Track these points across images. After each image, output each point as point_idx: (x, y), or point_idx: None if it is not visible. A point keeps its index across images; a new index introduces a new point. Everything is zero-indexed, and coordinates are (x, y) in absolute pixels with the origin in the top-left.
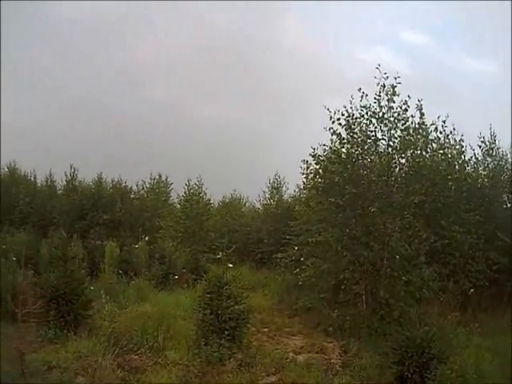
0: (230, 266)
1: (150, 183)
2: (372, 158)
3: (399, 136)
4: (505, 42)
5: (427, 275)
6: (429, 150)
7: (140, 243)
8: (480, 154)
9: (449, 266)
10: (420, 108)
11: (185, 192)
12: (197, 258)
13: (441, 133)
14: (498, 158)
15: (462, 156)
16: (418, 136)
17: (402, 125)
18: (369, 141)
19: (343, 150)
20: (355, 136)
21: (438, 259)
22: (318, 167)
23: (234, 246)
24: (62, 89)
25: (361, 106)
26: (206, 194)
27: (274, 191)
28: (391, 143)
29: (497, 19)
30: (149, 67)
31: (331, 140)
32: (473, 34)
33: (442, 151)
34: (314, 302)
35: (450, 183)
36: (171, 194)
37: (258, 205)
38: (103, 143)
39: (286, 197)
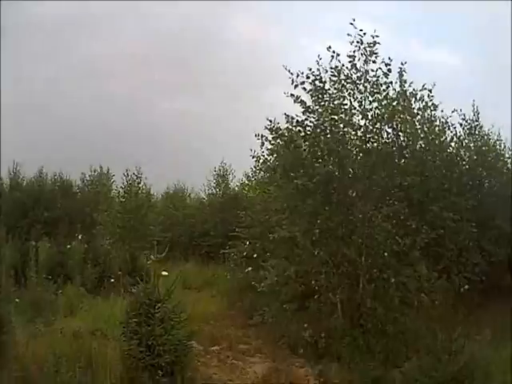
0: (164, 273)
1: (90, 176)
2: (345, 130)
3: (379, 105)
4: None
5: (424, 275)
6: (416, 122)
7: (74, 242)
8: (462, 132)
9: (442, 260)
10: (401, 74)
11: (123, 183)
12: (135, 257)
13: (426, 104)
14: (481, 137)
15: (447, 133)
16: (400, 106)
17: (384, 91)
18: (341, 110)
19: (309, 121)
20: (324, 104)
21: (430, 253)
22: (277, 142)
23: (168, 248)
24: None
25: (331, 68)
26: (145, 185)
27: (220, 179)
28: (369, 113)
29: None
30: (101, 63)
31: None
32: (429, 26)
33: (428, 125)
34: (275, 314)
35: (439, 162)
36: (113, 186)
37: (203, 195)
38: (52, 140)
39: (233, 185)
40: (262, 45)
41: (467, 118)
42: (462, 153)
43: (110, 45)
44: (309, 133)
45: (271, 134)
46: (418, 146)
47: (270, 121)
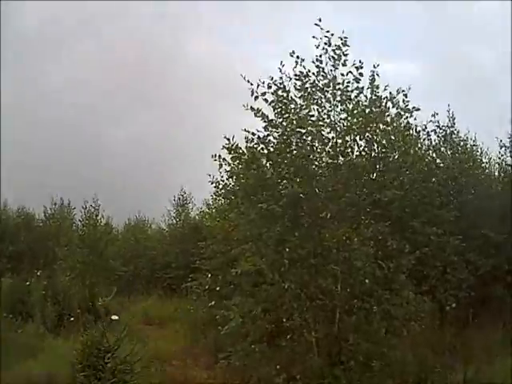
0: (115, 318)
1: (51, 208)
2: (314, 144)
3: (350, 114)
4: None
5: (411, 300)
6: (390, 131)
7: (33, 279)
8: (436, 140)
9: (427, 280)
10: (373, 78)
11: (81, 216)
12: (94, 293)
13: (401, 110)
14: (456, 144)
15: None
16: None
17: (356, 97)
18: (308, 122)
19: (273, 136)
20: (288, 116)
21: (412, 274)
22: (237, 163)
23: (115, 290)
24: None
25: (295, 75)
26: (103, 216)
27: (180, 209)
28: (338, 124)
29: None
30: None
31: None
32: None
33: (404, 133)
34: (243, 356)
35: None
36: (75, 219)
37: (163, 225)
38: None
39: (193, 214)
40: (223, 65)
41: (441, 124)
42: (439, 161)
43: (61, 65)
44: (272, 150)
45: (230, 153)
46: (394, 157)
47: (228, 139)
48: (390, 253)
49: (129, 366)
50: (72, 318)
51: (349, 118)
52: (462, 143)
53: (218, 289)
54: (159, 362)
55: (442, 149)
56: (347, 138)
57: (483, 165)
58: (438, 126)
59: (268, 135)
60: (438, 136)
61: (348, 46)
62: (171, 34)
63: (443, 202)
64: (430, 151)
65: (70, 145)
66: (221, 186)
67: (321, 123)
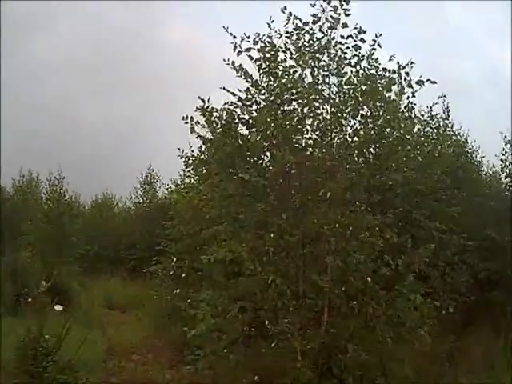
0: (58, 308)
1: (18, 181)
2: (305, 113)
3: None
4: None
5: (420, 305)
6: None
7: None
8: (430, 131)
9: (429, 281)
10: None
11: (45, 189)
12: (52, 272)
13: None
14: (450, 137)
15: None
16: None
17: (354, 65)
18: (300, 86)
19: (256, 100)
20: (277, 77)
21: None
22: (212, 128)
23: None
24: None
25: (286, 33)
26: (67, 190)
27: (147, 187)
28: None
29: None
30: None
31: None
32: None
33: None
34: (213, 361)
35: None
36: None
37: (129, 204)
38: None
39: (160, 194)
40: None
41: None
42: (437, 153)
43: (40, 46)
44: (255, 114)
45: (204, 116)
46: (393, 139)
47: (203, 100)
48: (394, 248)
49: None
50: (30, 299)
51: (345, 90)
52: (458, 137)
53: (183, 275)
54: (117, 356)
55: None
56: (342, 113)
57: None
58: (431, 117)
59: (251, 97)
60: (430, 127)
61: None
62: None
63: (446, 196)
64: (429, 139)
65: (43, 126)
66: (192, 158)
67: (312, 91)
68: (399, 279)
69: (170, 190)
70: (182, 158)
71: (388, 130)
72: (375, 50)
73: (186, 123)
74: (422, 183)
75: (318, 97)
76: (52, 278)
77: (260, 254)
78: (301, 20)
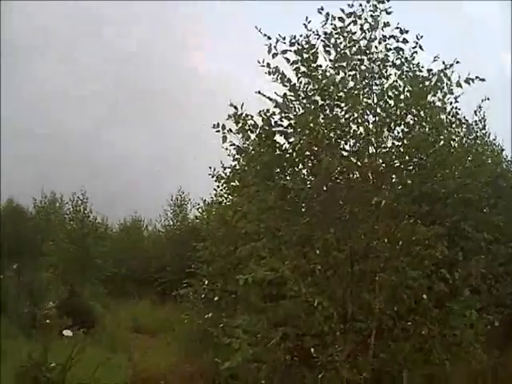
0: (67, 333)
1: (41, 202)
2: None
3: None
4: None
5: (476, 321)
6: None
7: (9, 273)
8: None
9: (480, 294)
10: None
11: (68, 210)
12: (74, 293)
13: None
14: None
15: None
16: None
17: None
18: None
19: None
20: (317, 80)
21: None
22: (248, 134)
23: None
24: None
25: (325, 34)
26: (92, 211)
27: (178, 209)
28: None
29: None
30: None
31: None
32: None
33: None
34: None
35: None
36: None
37: (159, 226)
38: None
39: (191, 216)
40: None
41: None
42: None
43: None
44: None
45: (237, 124)
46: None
47: (235, 107)
48: (445, 261)
49: None
50: (48, 321)
51: (389, 95)
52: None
53: (216, 299)
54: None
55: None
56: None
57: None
58: (464, 122)
59: (290, 102)
60: (473, 134)
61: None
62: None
63: (490, 205)
64: (472, 147)
65: (72, 149)
66: (224, 172)
67: (354, 97)
68: (452, 295)
69: (200, 210)
70: (213, 176)
71: (433, 137)
72: (416, 52)
73: (218, 131)
74: (470, 192)
75: (360, 104)
76: (67, 297)
77: (304, 274)
78: (342, 19)
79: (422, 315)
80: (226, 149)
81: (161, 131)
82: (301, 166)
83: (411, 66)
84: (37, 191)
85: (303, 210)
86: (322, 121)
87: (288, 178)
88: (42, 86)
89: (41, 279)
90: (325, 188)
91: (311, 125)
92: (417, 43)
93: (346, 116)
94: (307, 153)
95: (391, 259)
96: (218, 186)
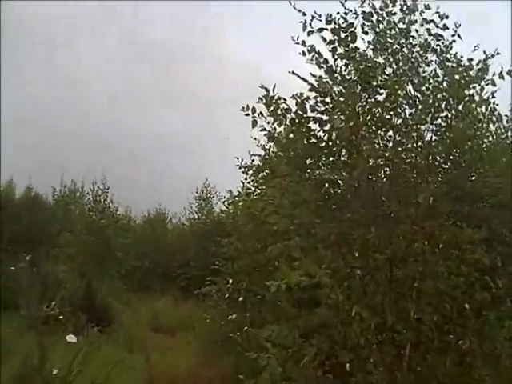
0: (71, 339)
1: (61, 191)
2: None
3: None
4: None
5: None
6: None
7: (21, 264)
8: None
9: None
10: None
11: (88, 200)
12: (92, 288)
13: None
14: None
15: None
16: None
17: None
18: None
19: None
20: (355, 61)
21: None
22: (281, 119)
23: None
24: None
25: (363, 13)
26: (112, 201)
27: (203, 203)
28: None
29: None
30: (82, 79)
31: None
32: None
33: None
34: None
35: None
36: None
37: (184, 220)
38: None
39: (217, 209)
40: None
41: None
42: None
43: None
44: (331, 107)
45: (268, 108)
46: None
47: (267, 89)
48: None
49: None
50: (61, 317)
51: (427, 86)
52: None
53: (240, 299)
54: None
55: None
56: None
57: None
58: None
59: (327, 83)
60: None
61: None
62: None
63: None
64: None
65: (88, 131)
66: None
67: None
68: (491, 304)
69: (226, 203)
70: (240, 167)
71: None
72: (455, 41)
73: (247, 115)
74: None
75: (402, 90)
76: (83, 292)
77: (341, 279)
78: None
79: (464, 326)
80: (255, 139)
81: (187, 121)
82: (337, 157)
83: (450, 54)
84: (56, 180)
85: (341, 204)
86: (361, 107)
87: (324, 168)
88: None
89: (56, 272)
90: (365, 181)
91: (350, 109)
92: (455, 31)
93: (386, 104)
94: (344, 142)
95: (431, 263)
96: (246, 178)
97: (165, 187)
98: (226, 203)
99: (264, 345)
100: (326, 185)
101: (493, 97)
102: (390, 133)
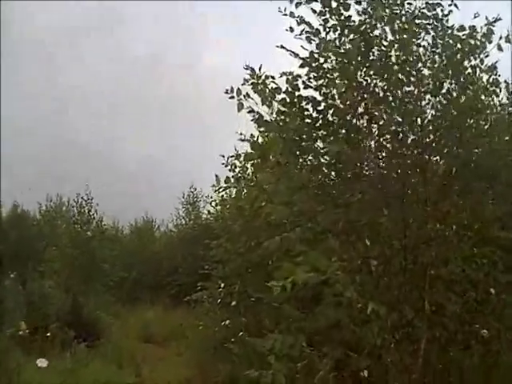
0: (42, 363)
1: (46, 205)
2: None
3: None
4: None
5: None
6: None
7: (7, 282)
8: None
9: None
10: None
11: (72, 213)
12: (78, 303)
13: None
14: None
15: None
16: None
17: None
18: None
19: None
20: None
21: None
22: (270, 100)
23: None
24: None
25: None
26: (97, 212)
27: (190, 207)
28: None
29: None
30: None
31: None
32: None
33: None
34: None
35: None
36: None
37: (171, 226)
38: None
39: (205, 215)
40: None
41: None
42: None
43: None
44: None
45: (255, 90)
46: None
47: (252, 69)
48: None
49: None
50: (48, 334)
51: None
52: None
53: (233, 303)
54: None
55: None
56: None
57: None
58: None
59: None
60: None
61: None
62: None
63: None
64: None
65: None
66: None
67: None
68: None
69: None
70: (226, 165)
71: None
72: (452, 12)
73: (232, 98)
74: None
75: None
76: (69, 307)
77: (352, 271)
78: None
79: (487, 313)
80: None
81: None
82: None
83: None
84: (43, 193)
85: (346, 187)
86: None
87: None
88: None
89: (41, 288)
90: (372, 159)
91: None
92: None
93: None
94: (342, 121)
95: (448, 246)
96: (235, 168)
97: (151, 195)
98: (213, 203)
99: (263, 352)
100: (324, 169)
101: (495, 68)
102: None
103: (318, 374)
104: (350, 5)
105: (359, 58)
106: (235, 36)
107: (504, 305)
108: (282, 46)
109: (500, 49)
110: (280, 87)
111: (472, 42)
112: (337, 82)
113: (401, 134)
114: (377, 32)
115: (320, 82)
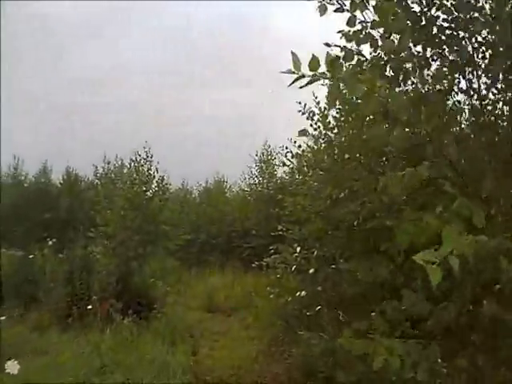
0: (13, 368)
1: (103, 167)
2: None
3: None
4: None
5: None
6: None
7: (45, 250)
8: None
9: None
10: None
11: (130, 171)
12: (129, 269)
13: None
14: None
15: None
16: None
17: None
18: None
19: None
20: None
21: None
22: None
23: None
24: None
25: None
26: (157, 170)
27: (263, 165)
28: None
29: None
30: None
31: None
32: None
33: None
34: None
35: None
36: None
37: (243, 186)
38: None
39: (280, 173)
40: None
41: None
42: None
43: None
44: None
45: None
46: None
47: None
48: None
49: None
50: (90, 306)
51: None
52: None
53: (311, 271)
54: None
55: None
56: None
57: None
58: None
59: None
60: None
61: None
62: None
63: None
64: None
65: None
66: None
67: None
68: None
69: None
70: (304, 113)
71: None
72: None
73: None
74: None
75: None
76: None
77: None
78: None
79: None
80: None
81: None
82: None
83: None
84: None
85: None
86: None
87: None
88: None
89: (86, 255)
90: None
91: None
92: None
93: None
94: None
95: None
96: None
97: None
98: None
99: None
100: None
101: None
102: None
103: None
104: None
105: None
106: None
107: None
108: None
109: None
110: None
111: None
112: None
113: None
114: None
115: None
